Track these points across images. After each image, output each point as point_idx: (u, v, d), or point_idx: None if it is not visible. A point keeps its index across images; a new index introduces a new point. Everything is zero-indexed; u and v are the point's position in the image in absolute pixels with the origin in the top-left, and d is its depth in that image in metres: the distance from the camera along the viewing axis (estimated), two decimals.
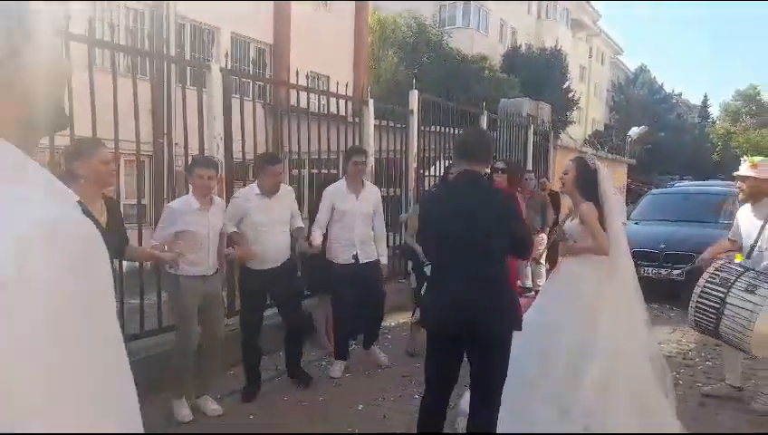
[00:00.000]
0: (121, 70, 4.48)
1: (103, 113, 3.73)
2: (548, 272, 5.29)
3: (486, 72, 19.41)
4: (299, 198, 4.90)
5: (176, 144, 4.63)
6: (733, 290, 3.39)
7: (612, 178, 3.59)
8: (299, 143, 5.32)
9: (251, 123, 4.87)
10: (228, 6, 11.59)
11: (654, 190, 11.07)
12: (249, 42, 13.19)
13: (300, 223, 4.11)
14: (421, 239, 3.62)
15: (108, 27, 5.18)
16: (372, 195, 4.37)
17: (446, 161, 6.77)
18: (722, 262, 3.69)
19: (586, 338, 3.14)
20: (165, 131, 4.59)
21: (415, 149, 6.81)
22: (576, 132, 25.99)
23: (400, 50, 19.59)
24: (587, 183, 3.31)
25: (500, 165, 4.91)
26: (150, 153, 4.75)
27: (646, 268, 6.74)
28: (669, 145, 31.93)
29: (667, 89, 38.27)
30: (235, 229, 3.76)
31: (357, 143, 5.92)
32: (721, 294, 3.49)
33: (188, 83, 4.69)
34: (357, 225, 4.20)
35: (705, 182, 15.42)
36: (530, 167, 9.10)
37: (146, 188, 7.14)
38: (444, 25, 22.67)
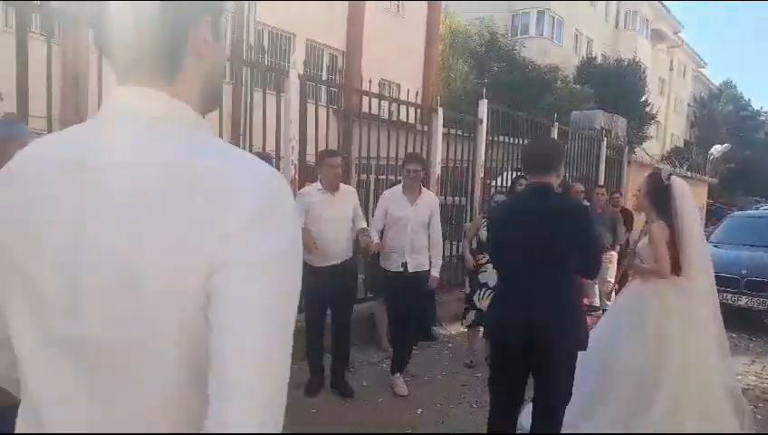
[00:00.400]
0: None
1: None
2: (617, 292, 5.11)
3: (559, 82, 18.92)
4: (365, 204, 4.96)
5: (252, 145, 4.86)
6: None
7: (691, 195, 3.40)
8: (368, 149, 5.43)
9: (323, 128, 5.03)
10: (305, 14, 12.00)
11: (736, 212, 10.40)
12: (323, 48, 13.58)
13: (363, 224, 4.11)
14: (489, 252, 3.58)
15: None
16: (429, 202, 4.24)
17: (514, 172, 6.68)
18: None
19: (647, 363, 3.02)
20: (242, 132, 4.81)
21: (482, 159, 6.77)
22: (653, 148, 24.85)
23: (471, 59, 19.47)
24: (659, 198, 3.18)
25: None
26: None
27: (724, 294, 6.34)
28: (756, 165, 29.86)
29: (755, 105, 35.90)
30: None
31: (425, 151, 5.97)
32: None
33: (267, 88, 4.90)
34: (409, 232, 4.09)
35: None
36: (602, 181, 8.80)
37: None
38: (516, 35, 22.33)
